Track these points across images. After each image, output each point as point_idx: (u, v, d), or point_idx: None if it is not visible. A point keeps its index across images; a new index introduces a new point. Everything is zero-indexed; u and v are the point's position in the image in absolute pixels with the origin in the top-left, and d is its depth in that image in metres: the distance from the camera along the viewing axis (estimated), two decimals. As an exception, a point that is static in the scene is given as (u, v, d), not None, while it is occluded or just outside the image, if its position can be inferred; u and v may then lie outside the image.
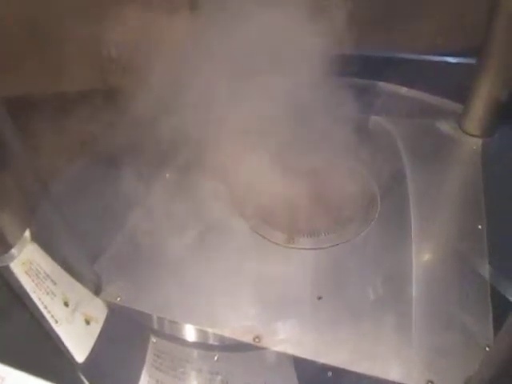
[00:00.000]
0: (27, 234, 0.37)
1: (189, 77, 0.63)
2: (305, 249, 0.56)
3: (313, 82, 0.71)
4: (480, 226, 0.56)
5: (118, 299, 0.50)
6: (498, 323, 0.46)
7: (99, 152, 0.72)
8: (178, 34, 0.64)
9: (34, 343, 0.48)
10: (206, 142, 0.65)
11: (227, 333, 0.48)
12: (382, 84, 0.85)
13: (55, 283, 0.39)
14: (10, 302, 0.52)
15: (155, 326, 0.49)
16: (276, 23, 0.66)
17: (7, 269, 0.37)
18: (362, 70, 0.83)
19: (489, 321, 0.47)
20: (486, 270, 0.51)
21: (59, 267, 0.40)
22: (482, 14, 0.79)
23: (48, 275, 0.38)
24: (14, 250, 0.36)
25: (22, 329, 0.50)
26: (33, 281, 0.38)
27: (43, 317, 0.40)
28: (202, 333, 0.49)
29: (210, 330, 0.49)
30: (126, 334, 0.48)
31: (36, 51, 0.82)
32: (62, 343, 0.42)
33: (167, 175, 0.68)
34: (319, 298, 0.50)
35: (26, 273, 0.37)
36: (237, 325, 0.48)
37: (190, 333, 0.49)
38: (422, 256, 0.54)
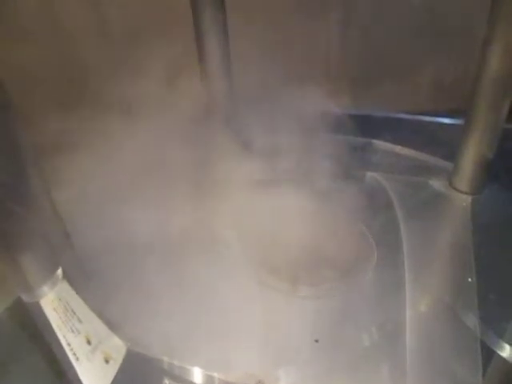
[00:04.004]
0: (59, 271, 0.39)
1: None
2: (305, 297, 0.59)
3: (310, 140, 0.76)
4: (470, 279, 0.58)
5: (128, 344, 0.51)
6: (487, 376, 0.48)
7: (110, 198, 0.74)
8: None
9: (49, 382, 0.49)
10: (214, 193, 0.69)
11: (231, 377, 0.50)
12: (377, 142, 0.90)
13: (81, 321, 0.41)
14: (24, 341, 0.53)
15: (167, 369, 0.51)
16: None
17: (37, 305, 0.40)
18: (358, 128, 0.88)
19: (478, 373, 0.48)
20: (475, 322, 0.53)
21: (85, 305, 0.42)
22: (460, 75, 0.85)
23: (75, 313, 0.41)
24: (45, 287, 0.39)
25: (37, 367, 0.51)
26: (60, 318, 0.40)
27: (64, 354, 0.42)
28: (207, 377, 0.51)
29: (215, 375, 0.51)
30: (140, 376, 0.50)
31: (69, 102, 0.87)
32: (80, 382, 0.43)
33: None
34: (316, 341, 0.52)
35: (55, 310, 0.39)
36: (240, 370, 0.50)
37: (197, 376, 0.51)
38: (415, 307, 0.56)
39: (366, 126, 0.90)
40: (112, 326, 0.50)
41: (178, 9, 0.82)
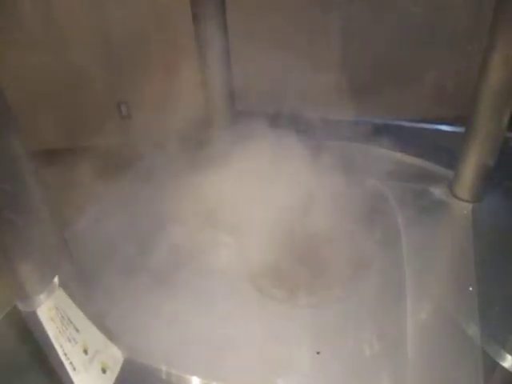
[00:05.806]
0: (56, 280, 0.39)
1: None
2: (304, 307, 0.59)
3: (311, 146, 0.76)
4: (471, 288, 0.58)
5: (126, 354, 0.51)
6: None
7: (106, 207, 0.74)
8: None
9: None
10: (213, 201, 0.69)
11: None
12: (378, 149, 0.89)
13: (78, 330, 0.41)
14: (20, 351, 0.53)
15: (164, 378, 0.51)
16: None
17: (33, 314, 0.39)
18: (359, 135, 0.89)
19: (480, 383, 0.48)
20: (476, 332, 0.53)
21: (82, 314, 0.42)
22: (461, 83, 0.85)
23: (71, 322, 0.40)
24: (42, 296, 0.39)
25: (33, 377, 0.51)
26: (57, 327, 0.40)
27: (61, 364, 0.42)
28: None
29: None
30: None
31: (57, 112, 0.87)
32: (77, 392, 0.43)
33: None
34: (318, 353, 0.52)
35: (52, 319, 0.39)
36: (239, 380, 0.50)
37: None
38: (416, 316, 0.56)
39: (368, 132, 0.90)
40: (109, 335, 0.50)
41: (178, 9, 0.82)
